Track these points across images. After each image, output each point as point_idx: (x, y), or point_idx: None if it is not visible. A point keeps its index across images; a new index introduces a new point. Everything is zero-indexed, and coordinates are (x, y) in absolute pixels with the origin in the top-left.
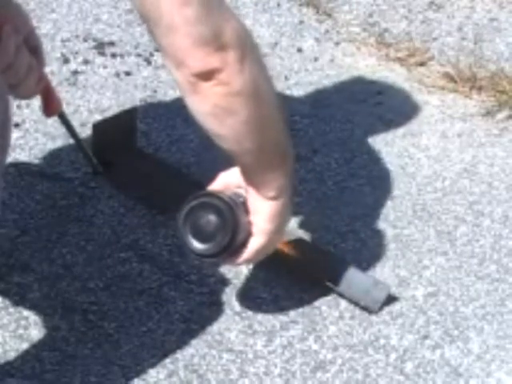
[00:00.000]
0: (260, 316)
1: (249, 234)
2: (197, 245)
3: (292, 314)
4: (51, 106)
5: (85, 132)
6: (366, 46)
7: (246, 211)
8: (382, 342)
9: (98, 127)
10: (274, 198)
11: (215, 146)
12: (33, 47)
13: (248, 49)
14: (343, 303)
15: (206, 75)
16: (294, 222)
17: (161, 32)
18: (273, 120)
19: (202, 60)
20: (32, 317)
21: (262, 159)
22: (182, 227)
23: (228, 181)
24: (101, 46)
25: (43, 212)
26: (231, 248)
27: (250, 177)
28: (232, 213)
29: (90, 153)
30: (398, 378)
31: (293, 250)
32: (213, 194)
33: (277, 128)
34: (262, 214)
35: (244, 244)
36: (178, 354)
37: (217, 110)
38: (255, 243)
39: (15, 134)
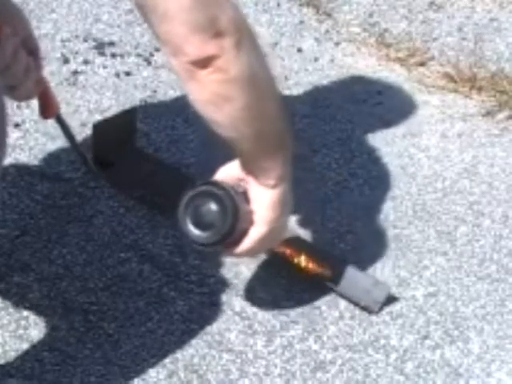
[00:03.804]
0: (260, 316)
1: (250, 225)
2: (197, 233)
3: (292, 314)
4: (49, 109)
5: (85, 132)
6: (366, 46)
7: (247, 201)
8: (382, 342)
9: (98, 127)
10: (273, 186)
11: (215, 146)
12: (31, 50)
13: (244, 35)
14: (343, 303)
15: (203, 62)
16: (294, 222)
17: (157, 20)
18: (270, 107)
19: (198, 47)
20: (32, 317)
21: (259, 146)
22: (183, 217)
23: (228, 173)
24: (101, 46)
25: (43, 212)
26: (232, 236)
27: (248, 165)
28: (232, 200)
29: (86, 155)
30: (398, 379)
31: (293, 250)
32: (212, 183)
33: (274, 115)
34: (263, 203)
35: (245, 234)
36: (178, 354)
37: (214, 97)
38: (256, 232)
39: (15, 134)
